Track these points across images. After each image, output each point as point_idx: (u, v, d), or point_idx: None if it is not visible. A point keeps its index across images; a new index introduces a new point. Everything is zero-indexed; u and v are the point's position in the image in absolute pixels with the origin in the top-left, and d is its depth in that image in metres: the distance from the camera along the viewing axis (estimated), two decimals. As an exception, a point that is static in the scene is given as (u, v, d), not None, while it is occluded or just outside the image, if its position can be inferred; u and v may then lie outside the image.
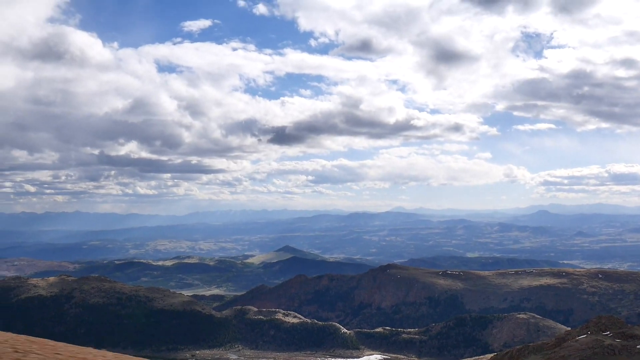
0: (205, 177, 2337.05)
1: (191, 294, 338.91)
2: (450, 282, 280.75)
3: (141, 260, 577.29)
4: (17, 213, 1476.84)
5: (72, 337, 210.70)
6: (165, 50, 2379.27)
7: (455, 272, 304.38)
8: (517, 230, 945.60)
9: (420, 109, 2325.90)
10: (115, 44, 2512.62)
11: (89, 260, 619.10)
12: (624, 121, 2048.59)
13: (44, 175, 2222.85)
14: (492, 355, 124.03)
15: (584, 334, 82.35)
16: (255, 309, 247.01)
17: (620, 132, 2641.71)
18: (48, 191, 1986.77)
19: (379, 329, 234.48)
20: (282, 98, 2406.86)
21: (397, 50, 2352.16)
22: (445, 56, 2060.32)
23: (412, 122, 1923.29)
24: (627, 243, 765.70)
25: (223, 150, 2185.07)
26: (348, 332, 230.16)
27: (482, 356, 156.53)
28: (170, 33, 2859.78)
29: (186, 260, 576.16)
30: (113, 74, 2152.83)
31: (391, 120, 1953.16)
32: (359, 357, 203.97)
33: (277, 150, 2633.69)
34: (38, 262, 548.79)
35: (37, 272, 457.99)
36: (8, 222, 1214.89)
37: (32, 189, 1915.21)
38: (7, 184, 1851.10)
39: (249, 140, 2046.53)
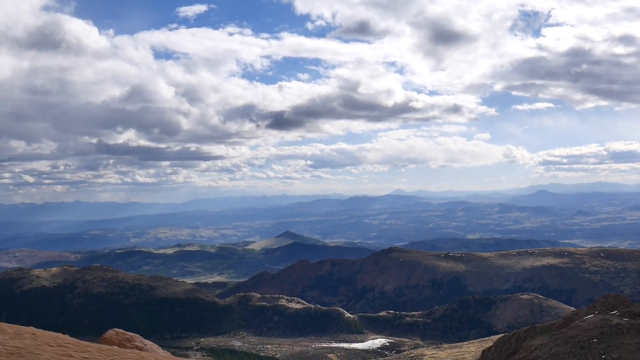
0: (204, 164, 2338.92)
1: (193, 281, 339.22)
2: (453, 264, 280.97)
3: (142, 249, 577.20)
4: (16, 204, 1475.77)
5: (76, 327, 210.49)
6: (161, 37, 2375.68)
7: (457, 254, 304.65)
8: (517, 211, 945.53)
9: (419, 91, 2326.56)
10: (111, 31, 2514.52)
11: (90, 250, 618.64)
12: (623, 98, 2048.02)
13: (43, 166, 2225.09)
14: (498, 336, 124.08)
15: (591, 314, 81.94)
16: (259, 296, 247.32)
17: (619, 110, 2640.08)
18: (47, 181, 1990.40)
19: (383, 313, 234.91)
20: (279, 82, 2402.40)
21: (394, 32, 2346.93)
22: (443, 37, 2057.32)
23: (410, 104, 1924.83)
24: (627, 221, 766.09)
25: (221, 137, 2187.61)
26: (352, 316, 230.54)
27: (486, 337, 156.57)
28: (166, 19, 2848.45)
29: (187, 248, 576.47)
30: (110, 61, 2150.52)
31: (389, 102, 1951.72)
32: (363, 342, 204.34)
33: (275, 135, 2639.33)
34: (39, 253, 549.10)
35: (39, 263, 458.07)
36: (8, 213, 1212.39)
37: (31, 179, 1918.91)
38: (6, 174, 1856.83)
39: (247, 125, 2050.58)
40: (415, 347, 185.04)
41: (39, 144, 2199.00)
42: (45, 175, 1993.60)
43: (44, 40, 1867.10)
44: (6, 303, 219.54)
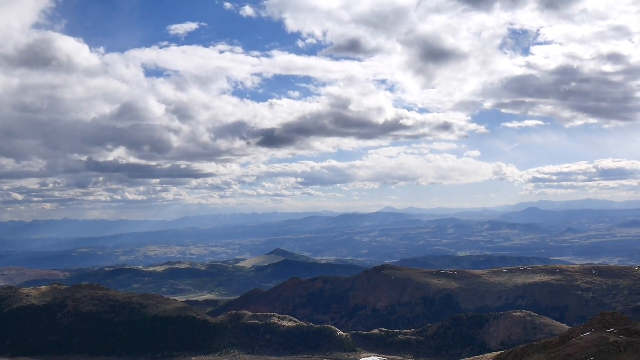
0: (194, 182, 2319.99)
1: (183, 299, 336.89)
2: (445, 281, 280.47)
3: (132, 267, 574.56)
4: (4, 222, 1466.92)
5: (66, 346, 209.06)
6: (152, 54, 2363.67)
7: (449, 271, 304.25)
8: (507, 228, 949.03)
9: (409, 109, 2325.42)
10: (102, 49, 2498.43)
11: (79, 267, 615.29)
12: (611, 116, 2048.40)
13: (32, 183, 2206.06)
14: (491, 354, 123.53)
15: (587, 332, 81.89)
16: (250, 314, 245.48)
17: (607, 127, 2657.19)
18: (36, 199, 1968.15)
19: (375, 331, 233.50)
20: (270, 100, 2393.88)
21: (385, 50, 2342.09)
22: (433, 55, 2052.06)
23: (400, 121, 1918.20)
24: (616, 238, 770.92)
25: (212, 154, 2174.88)
26: (344, 334, 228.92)
27: (480, 356, 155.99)
28: (157, 37, 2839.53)
29: (177, 266, 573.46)
30: (100, 79, 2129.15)
31: (380, 120, 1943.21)
32: None
33: (266, 152, 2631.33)
34: (28, 271, 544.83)
35: (27, 281, 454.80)
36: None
37: (19, 197, 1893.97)
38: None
39: (238, 143, 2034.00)
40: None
41: (28, 161, 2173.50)
42: (34, 193, 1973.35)
43: (35, 58, 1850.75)
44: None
